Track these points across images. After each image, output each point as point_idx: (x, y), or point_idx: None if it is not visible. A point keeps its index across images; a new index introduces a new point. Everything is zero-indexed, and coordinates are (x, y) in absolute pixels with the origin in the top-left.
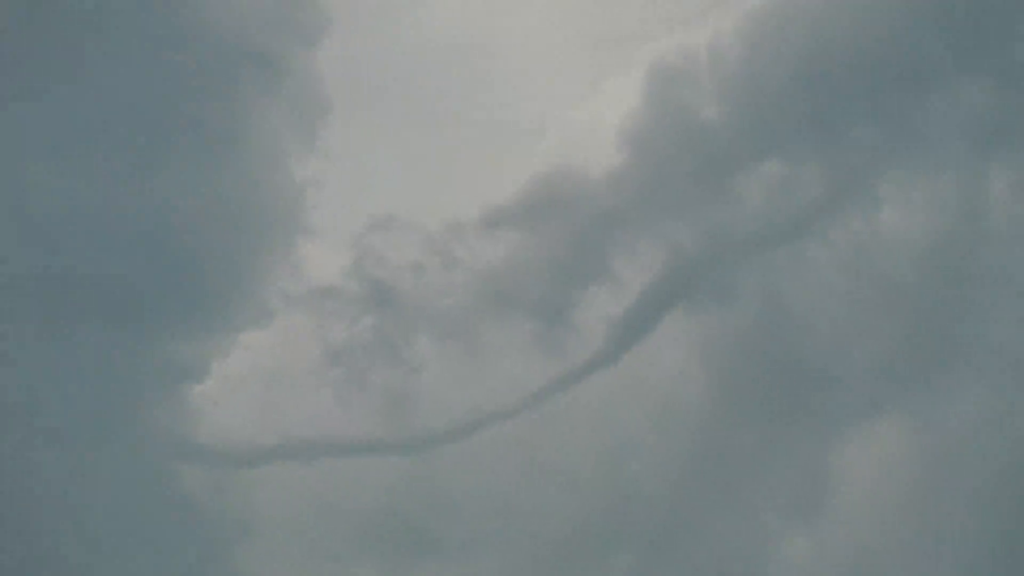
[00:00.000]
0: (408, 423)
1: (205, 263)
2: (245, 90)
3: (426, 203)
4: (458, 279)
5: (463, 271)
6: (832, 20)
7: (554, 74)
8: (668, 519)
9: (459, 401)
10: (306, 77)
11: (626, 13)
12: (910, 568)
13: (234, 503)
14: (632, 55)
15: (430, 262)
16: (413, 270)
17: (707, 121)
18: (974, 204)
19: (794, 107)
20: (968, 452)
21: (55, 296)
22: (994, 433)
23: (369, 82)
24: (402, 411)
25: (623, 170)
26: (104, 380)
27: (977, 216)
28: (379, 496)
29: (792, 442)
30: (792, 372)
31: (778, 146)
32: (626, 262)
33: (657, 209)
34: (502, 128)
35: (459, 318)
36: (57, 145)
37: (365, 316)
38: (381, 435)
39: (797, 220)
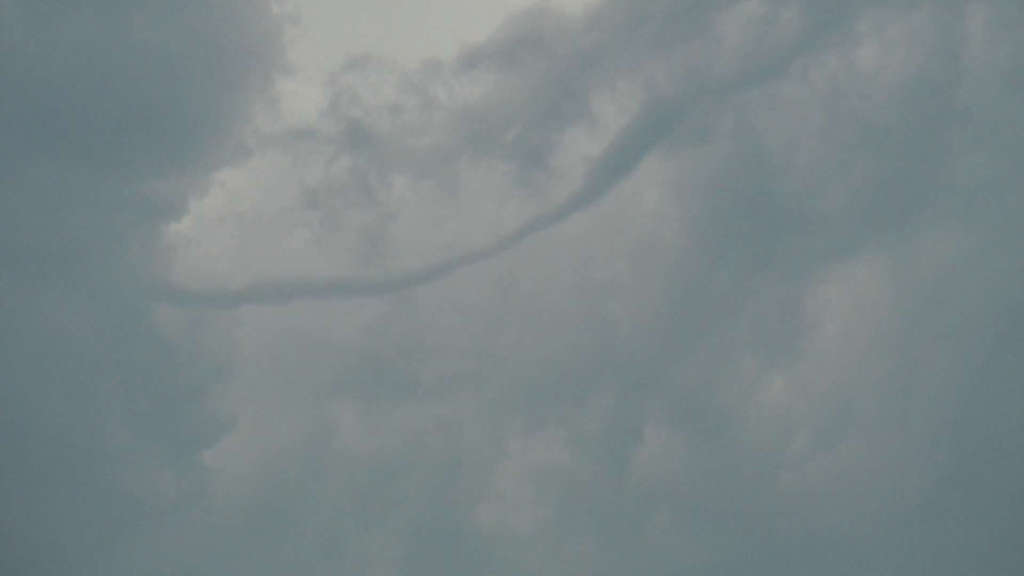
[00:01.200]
0: (384, 264)
1: (180, 99)
2: None
3: (403, 41)
4: (435, 119)
5: (440, 110)
6: None
7: None
8: (646, 359)
9: (435, 241)
10: None
11: None
12: (886, 406)
13: (210, 343)
14: None
15: (407, 101)
16: (390, 109)
17: None
18: (951, 41)
19: None
20: (943, 289)
21: (26, 131)
22: (968, 270)
23: None
24: (378, 252)
25: (601, 7)
26: (77, 216)
27: (954, 54)
28: (355, 337)
29: (768, 282)
30: (768, 212)
31: None
32: (604, 101)
33: (636, 48)
34: None
35: (436, 158)
36: None
37: (342, 156)
38: (357, 276)
39: (775, 59)
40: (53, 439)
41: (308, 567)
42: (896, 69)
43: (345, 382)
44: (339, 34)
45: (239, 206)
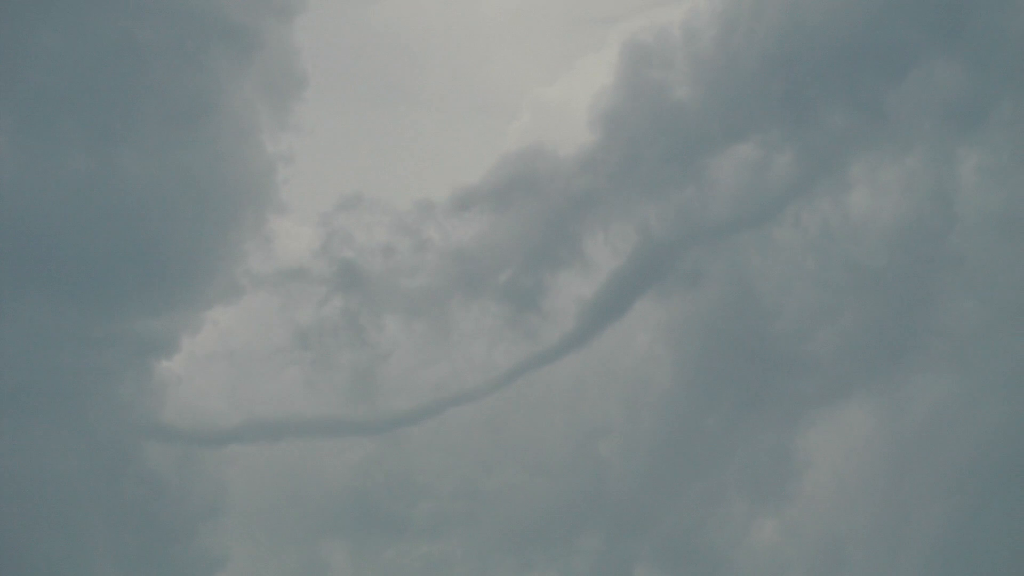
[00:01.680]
0: (375, 404)
1: (172, 238)
2: (217, 62)
3: (397, 182)
4: (427, 260)
5: (432, 252)
6: (806, 2)
7: (527, 54)
8: (637, 502)
9: (427, 382)
10: (281, 52)
11: None
12: (877, 551)
13: (200, 481)
14: (606, 34)
15: (400, 243)
16: (382, 251)
17: (680, 101)
18: (943, 188)
19: (767, 89)
20: (934, 436)
21: (18, 270)
22: (960, 417)
23: (345, 59)
24: (369, 392)
25: (595, 150)
26: (68, 353)
27: (946, 200)
28: (346, 477)
29: (760, 425)
30: (760, 355)
31: (751, 128)
32: (597, 244)
33: (629, 190)
34: (475, 107)
35: (428, 299)
36: (23, 121)
37: (334, 297)
38: (348, 416)
39: (768, 203)
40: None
41: None
42: (888, 214)
43: (335, 521)
44: (332, 174)
45: (230, 345)
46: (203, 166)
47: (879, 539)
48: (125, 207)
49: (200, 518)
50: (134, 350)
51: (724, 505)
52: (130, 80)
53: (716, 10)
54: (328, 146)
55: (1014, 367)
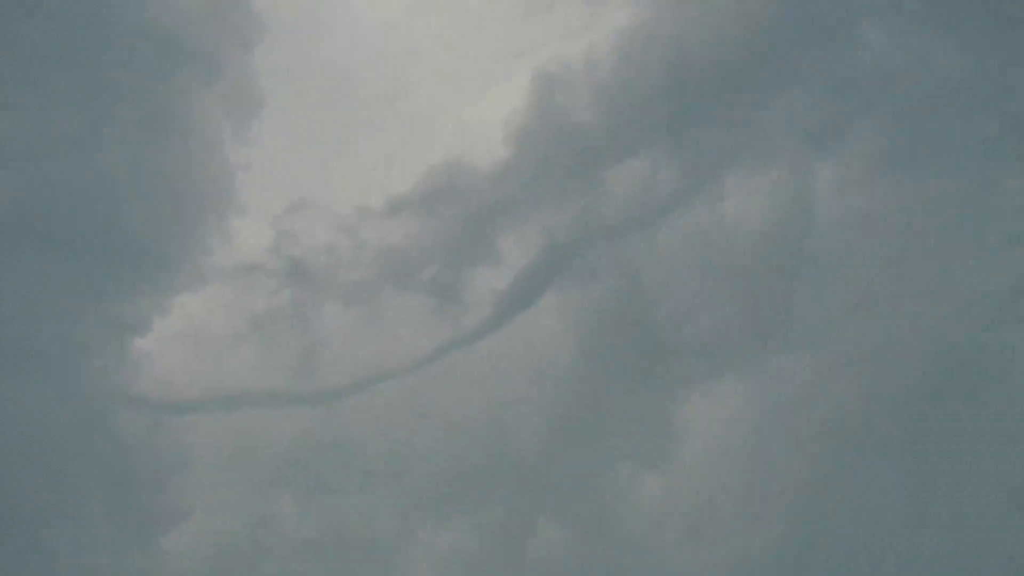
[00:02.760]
0: (316, 380)
1: (147, 232)
2: (184, 83)
3: (338, 190)
4: (364, 257)
5: (368, 250)
6: (689, 39)
7: (451, 81)
8: (539, 465)
9: (361, 362)
10: (242, 75)
11: (513, 28)
12: (745, 505)
13: (167, 445)
14: (518, 64)
15: (340, 242)
16: (325, 249)
17: (581, 122)
18: (803, 196)
19: (655, 112)
20: (794, 408)
21: (9, 256)
22: (816, 392)
23: (297, 85)
24: (312, 369)
25: (508, 164)
26: (54, 330)
27: (806, 207)
28: (291, 441)
29: (645, 400)
30: (646, 340)
31: (640, 145)
32: (510, 244)
33: (537, 199)
34: (406, 127)
35: (363, 291)
36: (14, 122)
37: (283, 289)
38: (294, 389)
39: (654, 209)
40: (26, 525)
41: None
42: (756, 218)
43: (282, 479)
44: (283, 182)
45: (195, 327)
46: (173, 171)
47: (746, 495)
48: (104, 204)
49: (167, 476)
50: (112, 328)
51: (614, 467)
52: (107, 92)
53: (613, 45)
54: (280, 157)
55: (863, 349)
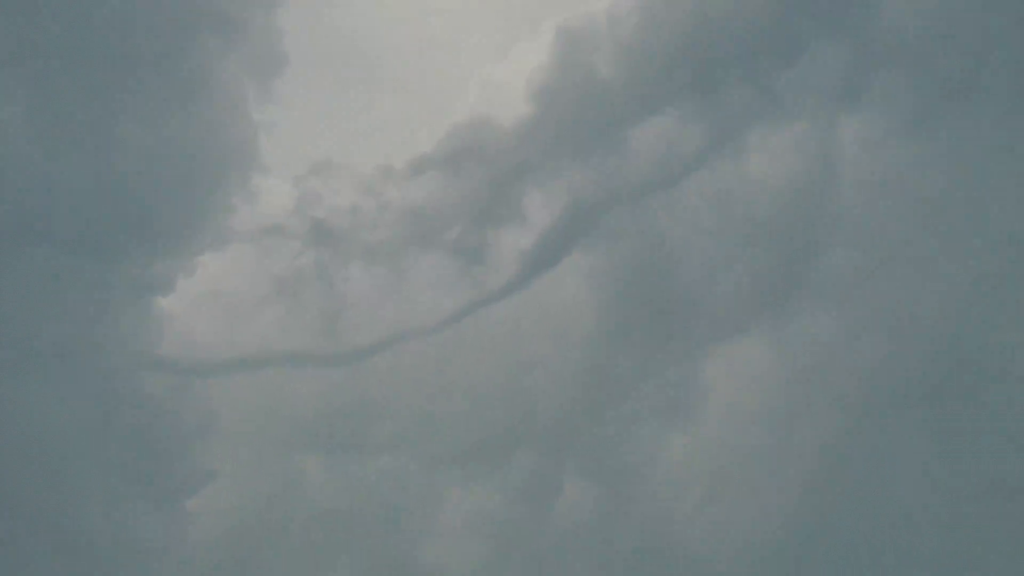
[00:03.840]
0: (340, 340)
1: (169, 193)
2: (206, 43)
3: (362, 150)
4: (387, 218)
5: (392, 210)
6: None
7: (474, 39)
8: (565, 424)
9: (384, 321)
10: (265, 35)
11: None
12: (768, 465)
13: (192, 407)
14: (541, 22)
15: (364, 202)
16: (349, 209)
17: (605, 80)
18: (826, 153)
19: (679, 69)
20: (817, 366)
21: (30, 223)
22: (839, 350)
23: (320, 44)
24: (335, 329)
25: (531, 122)
26: (76, 296)
27: (828, 163)
28: (315, 402)
29: (669, 358)
30: (669, 299)
31: (665, 103)
32: (534, 204)
33: (560, 157)
34: (428, 86)
35: (387, 251)
36: (34, 90)
37: (307, 251)
38: (317, 350)
39: (678, 168)
40: (49, 489)
41: None
42: (780, 175)
43: (308, 440)
44: (306, 142)
45: (219, 288)
46: (196, 131)
47: (770, 453)
48: (125, 167)
49: (192, 438)
50: (135, 289)
51: (639, 426)
52: (129, 57)
53: (636, 2)
54: (304, 117)
55: (884, 307)
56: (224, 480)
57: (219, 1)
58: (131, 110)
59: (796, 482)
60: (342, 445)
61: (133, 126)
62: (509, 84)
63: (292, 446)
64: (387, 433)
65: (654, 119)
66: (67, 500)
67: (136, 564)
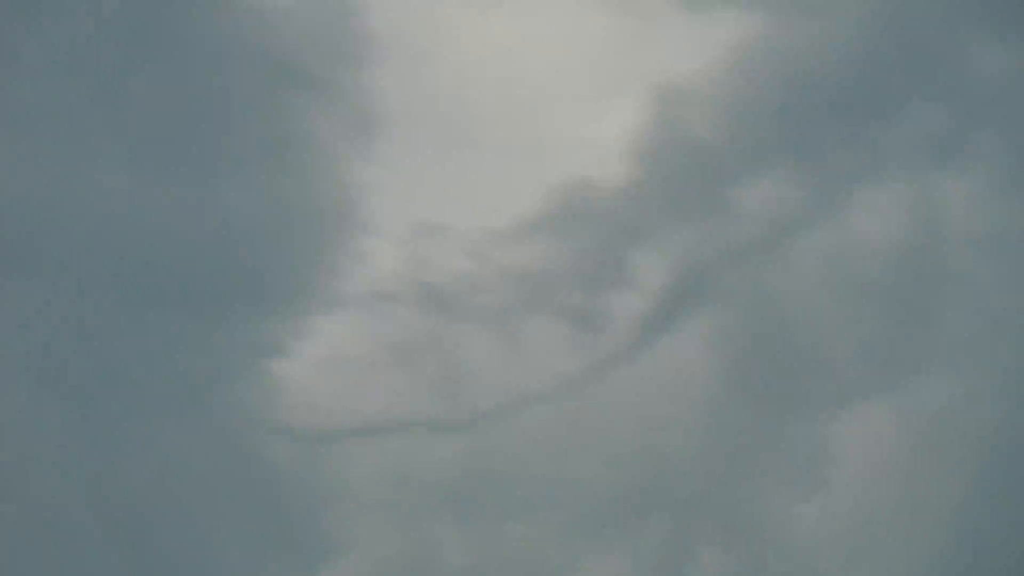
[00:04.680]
0: (460, 405)
1: (272, 254)
2: (301, 104)
3: (463, 211)
4: (497, 280)
5: (501, 273)
6: (806, 53)
7: (568, 101)
8: (695, 488)
9: (503, 386)
10: (358, 95)
11: (629, 47)
12: (902, 528)
13: (317, 474)
14: (636, 83)
15: (472, 265)
16: (459, 272)
17: (704, 139)
18: (932, 212)
19: (777, 128)
20: (941, 431)
21: (141, 289)
22: (962, 415)
23: (420, 105)
24: (454, 394)
25: (633, 182)
26: (189, 360)
27: (935, 222)
28: (442, 468)
29: (793, 422)
30: (787, 362)
31: (765, 163)
32: (641, 265)
33: (664, 218)
34: (527, 147)
35: (500, 315)
36: (130, 154)
37: (420, 316)
38: (439, 415)
39: (784, 227)
40: (180, 561)
41: None
42: (886, 236)
43: (437, 508)
44: (407, 202)
45: (335, 353)
46: (292, 192)
47: (904, 516)
48: (227, 230)
49: (321, 506)
50: (245, 353)
51: (771, 491)
52: (224, 122)
53: (731, 61)
54: (403, 179)
55: (1005, 371)
56: (356, 548)
57: (309, 60)
58: (227, 174)
59: (932, 544)
60: (472, 512)
61: (231, 189)
62: (607, 144)
63: (421, 513)
64: (518, 499)
65: (755, 178)
66: (197, 571)
67: None
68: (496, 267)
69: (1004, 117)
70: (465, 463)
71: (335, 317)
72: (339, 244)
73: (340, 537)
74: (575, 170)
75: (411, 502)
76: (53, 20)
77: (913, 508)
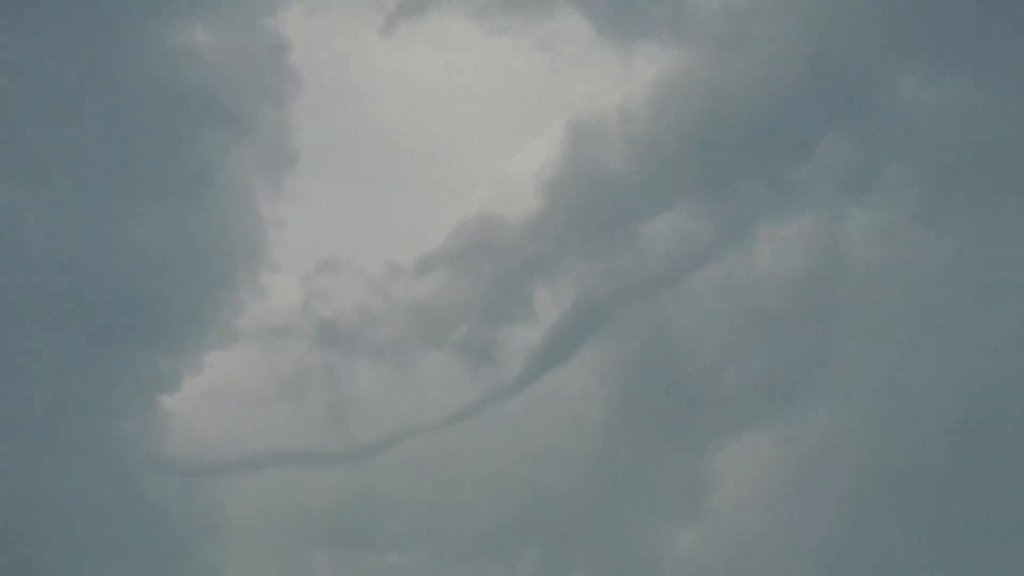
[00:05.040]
0: (348, 436)
1: (176, 290)
2: (215, 140)
3: (371, 247)
4: (396, 315)
5: (400, 308)
6: (722, 91)
7: (485, 136)
8: (573, 518)
9: (391, 418)
10: (275, 131)
11: (547, 81)
12: (778, 559)
13: (199, 508)
14: (552, 117)
15: (371, 300)
16: (356, 308)
17: (615, 174)
18: (835, 245)
19: (690, 163)
20: (825, 459)
21: (38, 316)
22: (847, 442)
23: (331, 143)
24: (343, 426)
25: (541, 217)
26: (80, 389)
27: (838, 255)
28: (323, 499)
29: (678, 452)
30: (677, 393)
31: (675, 197)
32: (543, 299)
33: (571, 252)
34: (438, 183)
35: (395, 349)
36: (34, 185)
37: (314, 351)
38: (324, 447)
39: (689, 262)
40: None
41: None
42: (788, 268)
43: (316, 538)
44: (314, 238)
45: (224, 386)
46: (204, 228)
47: (780, 547)
48: (133, 262)
49: (200, 539)
50: (142, 388)
51: (648, 520)
52: (140, 155)
53: (647, 96)
54: (313, 215)
55: (896, 400)
56: None
57: (228, 97)
58: (137, 208)
59: (806, 572)
60: (351, 542)
61: (140, 223)
62: (520, 180)
63: (299, 545)
64: (395, 529)
65: (665, 213)
66: None
67: None
68: (394, 301)
69: (916, 150)
70: (345, 494)
71: (230, 351)
72: (242, 279)
73: (216, 570)
74: (484, 206)
75: (290, 533)
76: None
77: (790, 539)
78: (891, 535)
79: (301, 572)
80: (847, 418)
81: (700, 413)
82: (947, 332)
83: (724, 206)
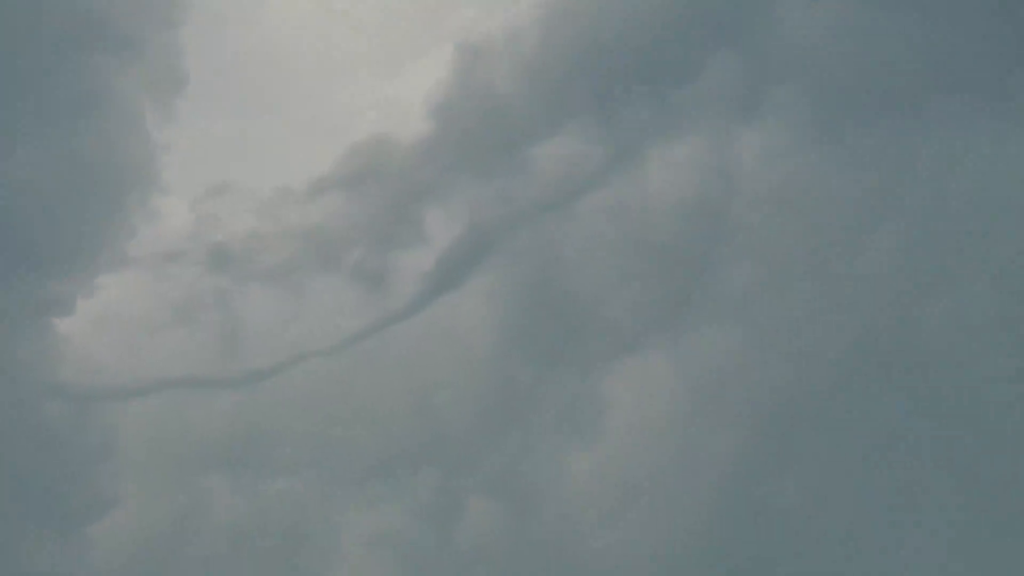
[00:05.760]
0: (240, 362)
1: (66, 214)
2: (104, 62)
3: (261, 170)
4: (287, 239)
5: (291, 233)
6: (612, 13)
7: (373, 60)
8: (469, 442)
9: (284, 344)
10: (164, 54)
11: (434, 4)
12: (672, 482)
13: (93, 433)
14: (439, 39)
15: (262, 224)
16: (247, 232)
17: (505, 97)
18: (725, 167)
19: (579, 86)
20: (716, 380)
21: None
22: (738, 364)
23: (221, 66)
24: (235, 352)
25: (431, 140)
26: None
27: (727, 177)
28: (216, 425)
29: (569, 378)
30: (568, 318)
31: (566, 120)
32: (434, 223)
33: (461, 176)
34: (328, 107)
35: (286, 274)
36: None
37: (205, 276)
38: (218, 373)
39: (578, 185)
40: None
41: None
42: (678, 191)
43: (209, 464)
44: (204, 162)
45: (117, 311)
46: (93, 150)
47: (674, 467)
48: (20, 187)
49: (92, 465)
50: (34, 311)
51: (541, 444)
52: (26, 79)
53: (535, 18)
54: (202, 138)
55: (782, 321)
56: (126, 505)
57: (117, 19)
58: (25, 131)
59: (698, 496)
60: (241, 468)
61: (28, 146)
62: (408, 102)
63: (191, 470)
64: (288, 454)
65: (555, 136)
66: None
67: None
68: (286, 226)
69: (804, 71)
70: (237, 420)
71: (121, 276)
72: (133, 203)
73: (109, 495)
74: (374, 129)
75: (182, 459)
76: None
77: (684, 462)
78: (785, 452)
79: (193, 498)
80: (738, 340)
81: (591, 337)
82: (836, 254)
83: (613, 129)
